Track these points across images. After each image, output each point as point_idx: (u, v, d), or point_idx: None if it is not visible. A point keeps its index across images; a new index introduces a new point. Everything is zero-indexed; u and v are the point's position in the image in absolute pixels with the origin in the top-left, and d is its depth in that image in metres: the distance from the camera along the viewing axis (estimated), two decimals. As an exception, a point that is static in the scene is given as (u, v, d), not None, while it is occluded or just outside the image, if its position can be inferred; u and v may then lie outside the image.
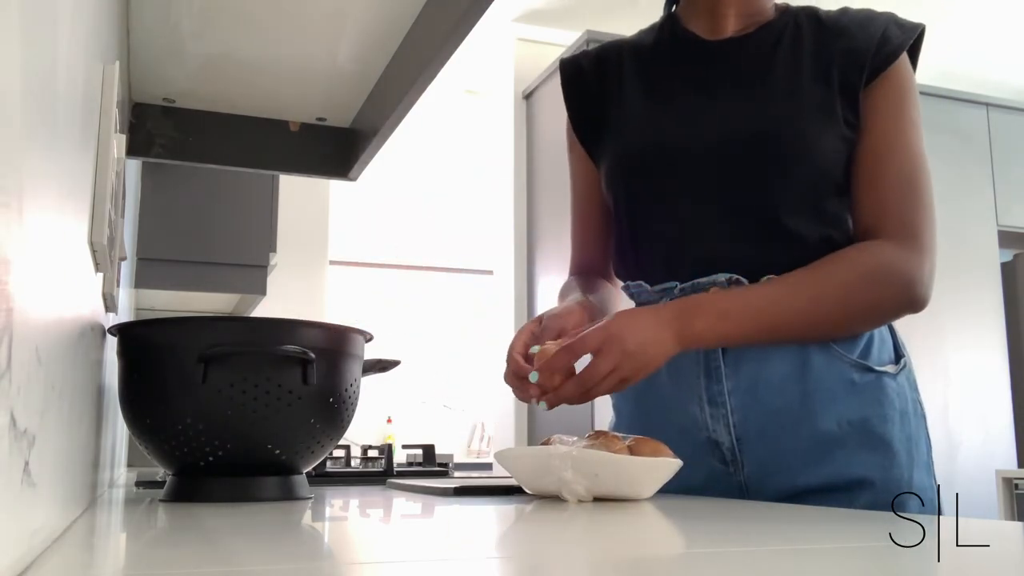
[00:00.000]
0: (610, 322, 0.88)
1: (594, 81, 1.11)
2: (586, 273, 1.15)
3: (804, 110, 0.97)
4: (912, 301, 0.93)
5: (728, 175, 0.97)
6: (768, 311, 0.91)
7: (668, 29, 1.09)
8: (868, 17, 1.01)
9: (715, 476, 0.97)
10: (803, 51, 1.00)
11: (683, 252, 1.00)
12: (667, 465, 0.79)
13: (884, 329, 0.99)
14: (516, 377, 0.90)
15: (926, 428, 0.98)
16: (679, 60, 1.06)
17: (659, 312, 0.90)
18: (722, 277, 0.96)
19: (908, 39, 0.99)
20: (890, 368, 0.96)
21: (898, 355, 0.99)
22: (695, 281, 0.97)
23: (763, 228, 0.96)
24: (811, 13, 1.03)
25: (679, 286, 0.99)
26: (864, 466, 0.91)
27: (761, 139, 0.97)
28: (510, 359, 0.91)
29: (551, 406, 0.88)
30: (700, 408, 0.97)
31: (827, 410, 0.93)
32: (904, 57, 0.99)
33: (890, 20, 1.00)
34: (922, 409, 0.99)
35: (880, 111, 0.98)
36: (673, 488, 0.91)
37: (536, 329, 0.95)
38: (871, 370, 0.95)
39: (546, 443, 0.82)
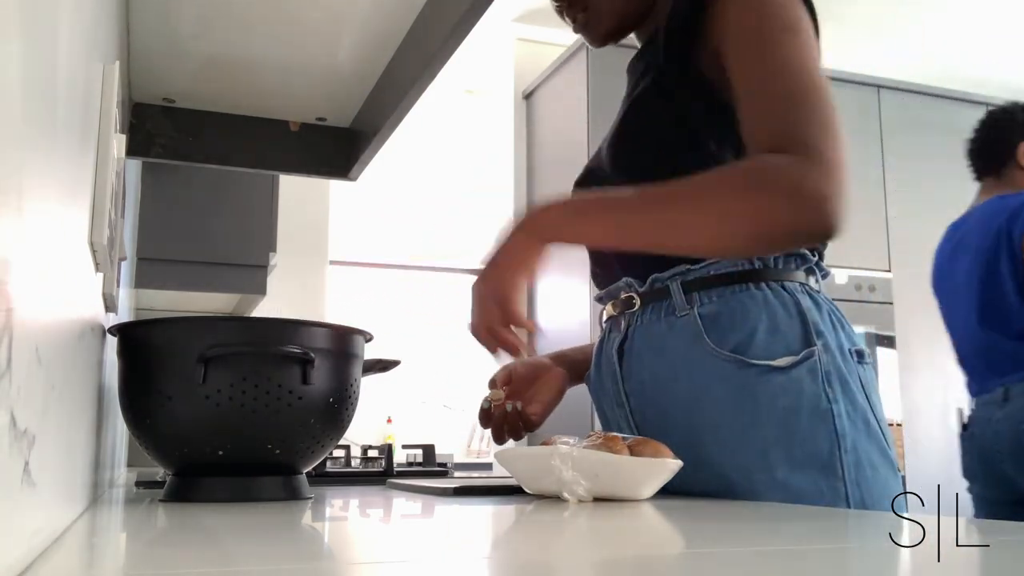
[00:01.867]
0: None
1: None
2: None
3: (642, 103, 0.98)
4: (812, 215, 0.76)
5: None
6: (622, 208, 0.84)
7: None
8: None
9: None
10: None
11: (597, 261, 1.07)
12: (667, 466, 0.79)
13: (785, 314, 0.89)
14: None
15: (834, 424, 0.86)
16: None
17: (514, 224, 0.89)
18: (622, 282, 1.01)
19: None
20: (782, 361, 0.87)
21: (808, 343, 0.88)
22: (608, 288, 1.04)
23: None
24: None
25: (599, 294, 1.07)
26: (728, 469, 0.88)
27: (618, 147, 1.00)
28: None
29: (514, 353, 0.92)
30: (613, 410, 1.02)
31: (701, 409, 0.90)
32: None
33: None
34: (830, 403, 0.86)
35: (732, 47, 0.87)
36: None
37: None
38: (748, 364, 0.88)
39: (546, 443, 0.82)
